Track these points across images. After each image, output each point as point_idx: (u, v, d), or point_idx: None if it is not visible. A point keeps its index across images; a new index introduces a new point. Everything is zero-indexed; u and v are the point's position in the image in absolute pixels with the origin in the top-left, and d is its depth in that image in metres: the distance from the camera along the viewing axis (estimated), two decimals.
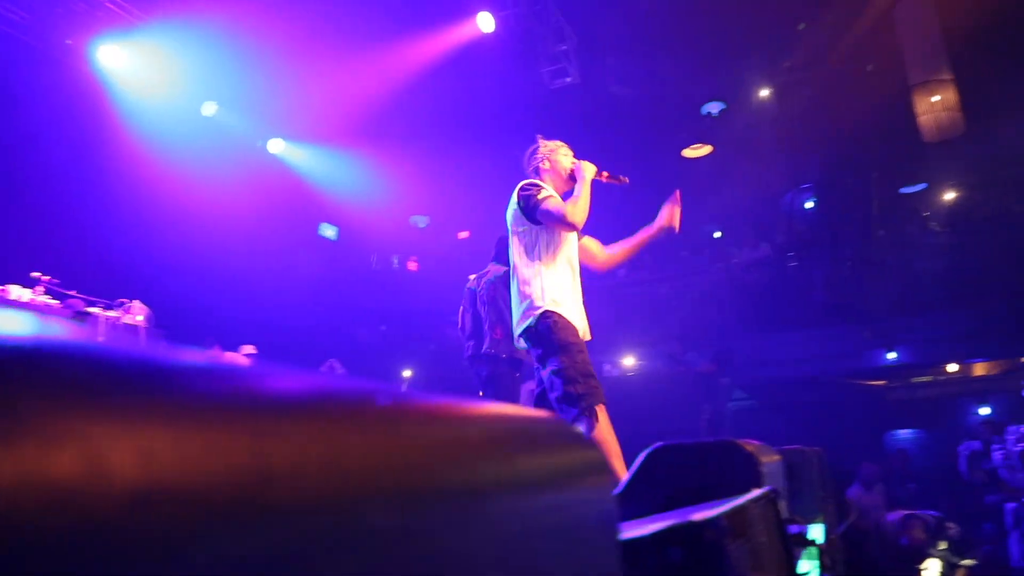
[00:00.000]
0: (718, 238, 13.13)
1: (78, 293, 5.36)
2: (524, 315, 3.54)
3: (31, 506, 0.17)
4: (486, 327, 5.24)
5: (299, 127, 10.37)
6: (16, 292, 5.07)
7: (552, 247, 3.60)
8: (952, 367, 11.36)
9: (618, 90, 10.64)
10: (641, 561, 0.79)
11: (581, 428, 3.30)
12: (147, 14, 8.26)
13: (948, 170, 11.95)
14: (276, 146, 10.40)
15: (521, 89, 9.93)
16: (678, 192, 3.82)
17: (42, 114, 7.54)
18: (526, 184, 3.66)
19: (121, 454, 0.19)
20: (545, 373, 3.46)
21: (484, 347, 5.19)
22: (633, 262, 12.18)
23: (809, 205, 12.38)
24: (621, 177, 3.77)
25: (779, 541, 1.42)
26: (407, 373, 11.26)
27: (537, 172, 3.80)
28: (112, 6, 7.98)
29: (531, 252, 3.62)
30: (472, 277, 5.56)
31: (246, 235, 9.49)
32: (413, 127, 10.56)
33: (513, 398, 5.24)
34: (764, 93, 11.46)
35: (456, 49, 9.21)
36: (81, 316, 5.19)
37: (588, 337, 3.60)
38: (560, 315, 3.47)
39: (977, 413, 12.34)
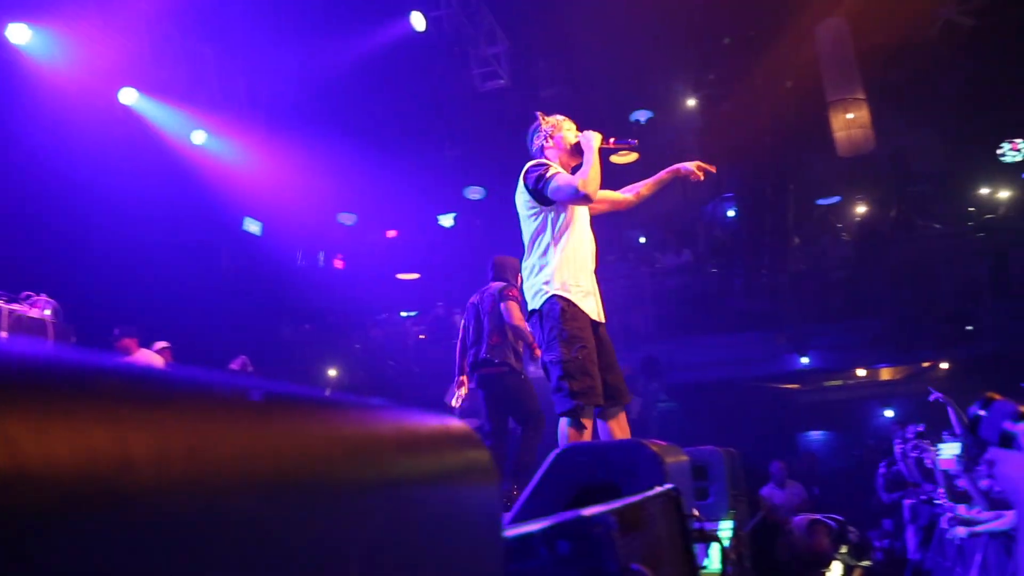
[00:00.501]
0: (643, 243, 13.42)
1: None
2: (533, 298, 3.49)
3: None
4: (485, 334, 5.32)
5: (224, 118, 10.09)
6: None
7: (564, 227, 3.50)
8: (860, 372, 11.94)
9: (548, 94, 10.75)
10: (532, 555, 0.83)
11: (565, 423, 3.28)
12: None
13: (860, 184, 12.54)
14: (199, 137, 10.10)
15: (452, 90, 9.95)
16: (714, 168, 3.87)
17: None
18: (532, 165, 3.52)
19: None
20: (545, 358, 3.41)
21: (482, 352, 5.29)
22: None
23: (731, 214, 12.79)
24: (630, 141, 3.67)
25: (679, 536, 1.49)
26: (332, 373, 11.11)
27: (541, 151, 3.67)
28: None
29: (542, 234, 3.52)
30: (474, 297, 5.63)
31: (166, 228, 9.20)
32: (343, 123, 10.44)
33: (511, 408, 5.35)
34: (690, 103, 11.78)
35: (387, 47, 9.15)
36: None
37: (602, 319, 3.57)
38: (569, 302, 3.40)
39: (883, 415, 12.98)
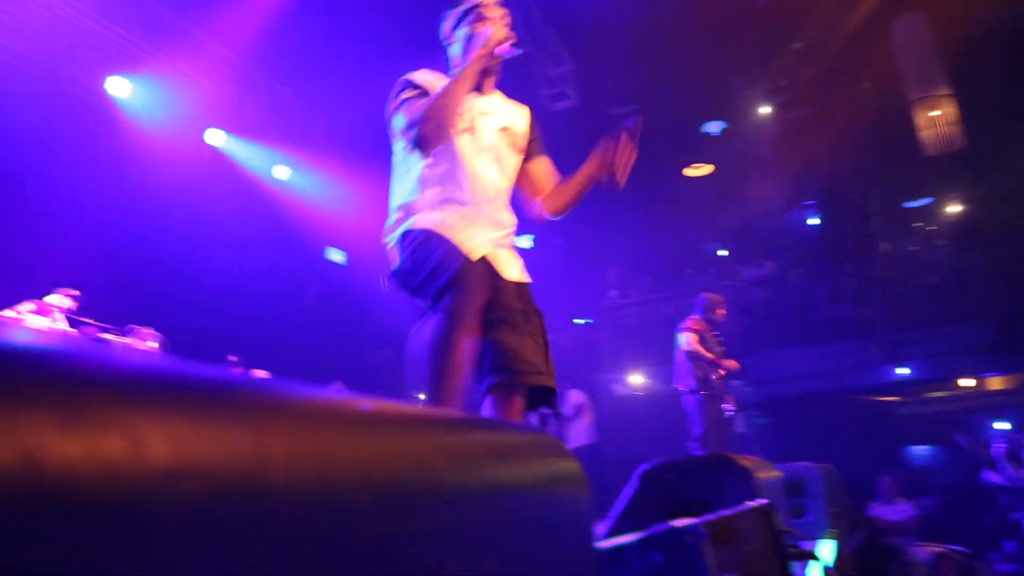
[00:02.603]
0: (723, 256, 13.17)
1: (93, 320, 5.47)
2: (390, 253, 2.43)
3: (88, 479, 0.23)
4: (693, 368, 6.21)
5: (306, 153, 10.50)
6: (33, 318, 5.19)
7: (444, 156, 2.41)
8: (966, 381, 11.31)
9: (618, 111, 10.74)
10: (627, 565, 0.84)
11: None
12: (155, 47, 8.43)
13: (952, 183, 11.99)
14: (282, 172, 10.53)
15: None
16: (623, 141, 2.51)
17: (52, 143, 7.67)
18: (401, 79, 2.49)
19: (157, 439, 0.25)
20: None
21: (691, 385, 6.19)
22: (635, 281, 12.23)
23: (813, 222, 12.43)
24: (516, 51, 2.43)
25: (774, 551, 1.46)
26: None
27: (447, 44, 2.64)
28: (123, 41, 8.14)
29: (407, 163, 2.49)
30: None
31: (255, 260, 9.60)
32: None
33: (720, 427, 6.28)
34: (763, 111, 11.57)
35: None
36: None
37: (512, 277, 2.42)
38: (430, 232, 2.30)
39: (994, 428, 12.26)
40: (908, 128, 9.82)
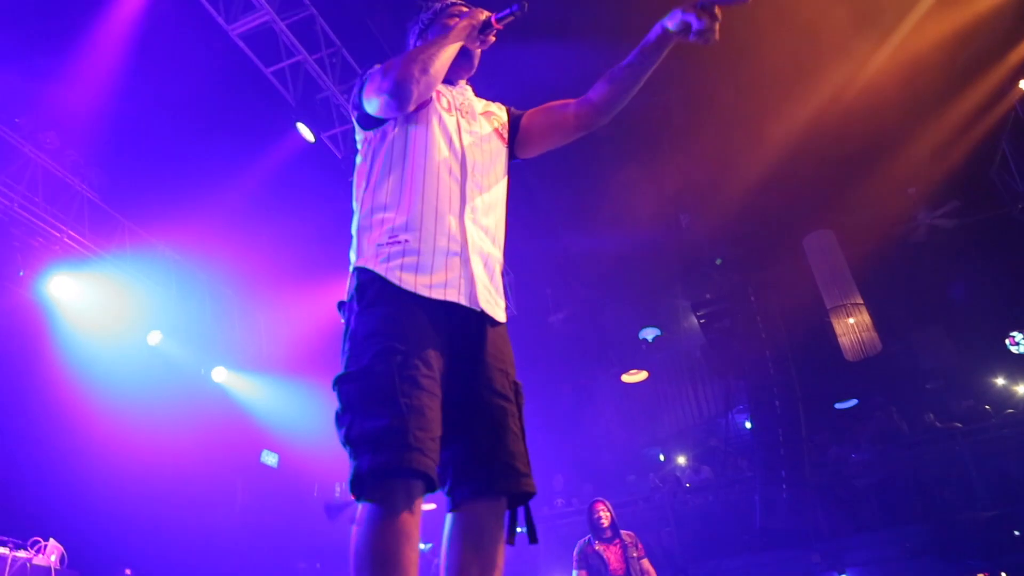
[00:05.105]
0: (662, 461, 13.17)
1: None
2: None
3: None
4: None
5: (244, 356, 10.48)
6: None
7: (397, 156, 1.96)
8: None
9: (557, 319, 11.15)
10: None
11: (362, 514, 1.68)
12: (101, 248, 8.58)
13: (874, 387, 12.46)
14: (219, 375, 10.41)
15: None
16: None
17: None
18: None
19: None
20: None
21: None
22: (576, 490, 11.92)
23: (748, 425, 12.66)
24: (513, 9, 2.04)
25: None
26: None
27: None
28: (70, 241, 8.29)
29: (367, 180, 2.01)
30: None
31: (181, 466, 9.24)
32: None
33: None
34: (692, 321, 12.14)
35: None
36: None
37: (477, 305, 1.89)
38: (375, 275, 1.85)
39: None
40: (830, 334, 10.35)
